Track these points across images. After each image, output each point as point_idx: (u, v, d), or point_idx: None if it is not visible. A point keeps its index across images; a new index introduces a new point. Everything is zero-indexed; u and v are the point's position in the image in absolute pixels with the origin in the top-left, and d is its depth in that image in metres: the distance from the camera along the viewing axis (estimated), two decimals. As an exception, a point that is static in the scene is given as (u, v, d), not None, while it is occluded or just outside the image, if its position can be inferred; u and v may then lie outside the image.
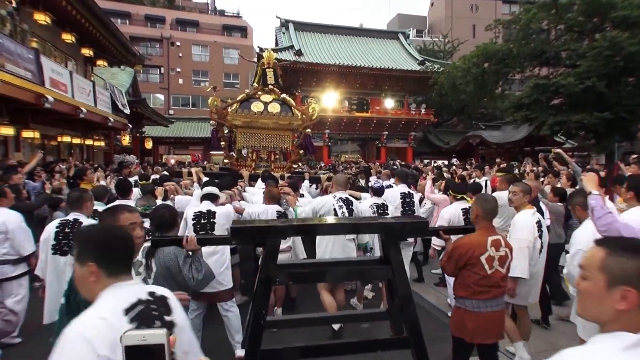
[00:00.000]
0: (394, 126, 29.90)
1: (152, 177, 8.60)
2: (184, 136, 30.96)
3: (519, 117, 20.30)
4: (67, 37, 13.84)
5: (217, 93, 9.20)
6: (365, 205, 5.55)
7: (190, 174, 7.85)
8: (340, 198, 5.17)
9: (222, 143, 8.90)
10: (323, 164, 20.64)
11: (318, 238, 4.97)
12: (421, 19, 48.79)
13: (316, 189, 8.05)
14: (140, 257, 3.03)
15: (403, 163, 22.92)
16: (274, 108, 8.67)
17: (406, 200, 6.04)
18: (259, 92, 8.92)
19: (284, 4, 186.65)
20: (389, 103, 29.46)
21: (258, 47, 25.86)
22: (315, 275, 3.44)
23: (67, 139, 14.48)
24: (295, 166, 9.72)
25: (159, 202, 5.03)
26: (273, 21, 47.28)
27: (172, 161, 25.34)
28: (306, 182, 7.70)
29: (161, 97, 39.32)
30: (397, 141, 30.62)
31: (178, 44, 39.37)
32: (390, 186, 6.79)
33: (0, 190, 4.74)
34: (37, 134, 11.82)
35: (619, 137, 17.57)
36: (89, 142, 16.86)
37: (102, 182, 8.63)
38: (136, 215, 2.35)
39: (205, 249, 3.76)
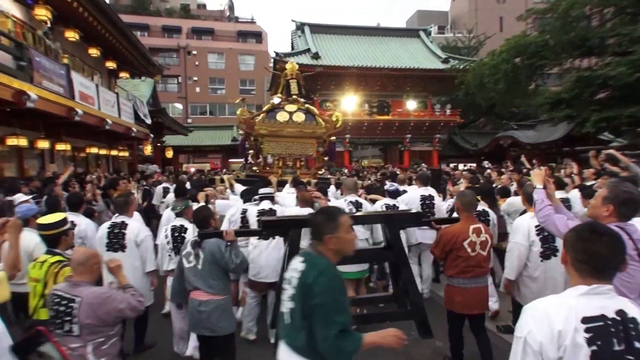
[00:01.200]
0: (417, 129, 28.88)
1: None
2: (203, 144, 30.97)
3: (557, 114, 18.85)
4: (93, 52, 13.95)
5: (243, 103, 9.61)
6: (377, 206, 6.15)
7: (222, 181, 8.24)
8: (350, 201, 5.69)
9: (250, 151, 9.34)
10: (346, 170, 20.24)
11: None
12: (442, 14, 47.43)
13: (342, 193, 8.03)
14: (189, 248, 3.81)
15: (426, 167, 22.13)
16: (299, 117, 8.97)
17: (426, 203, 6.35)
18: (284, 102, 9.22)
19: (296, 7, 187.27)
20: (412, 105, 28.42)
21: (274, 52, 25.65)
22: None
23: (94, 150, 14.57)
24: (320, 172, 9.90)
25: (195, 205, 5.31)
26: (287, 25, 47.07)
27: (192, 169, 25.39)
28: (332, 188, 7.88)
29: (179, 106, 39.54)
30: (420, 144, 29.53)
31: (194, 52, 39.54)
32: (405, 191, 7.15)
33: (79, 199, 5.31)
34: (68, 147, 12.00)
35: None
36: (114, 152, 16.98)
37: (134, 191, 8.94)
38: None
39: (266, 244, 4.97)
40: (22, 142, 9.54)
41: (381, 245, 4.76)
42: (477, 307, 4.11)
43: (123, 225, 4.64)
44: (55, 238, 3.40)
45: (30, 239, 3.99)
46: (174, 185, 8.11)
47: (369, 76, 27.24)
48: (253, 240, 5.07)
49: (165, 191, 10.10)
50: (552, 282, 4.10)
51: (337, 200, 7.04)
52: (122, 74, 17.14)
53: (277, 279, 4.48)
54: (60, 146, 11.63)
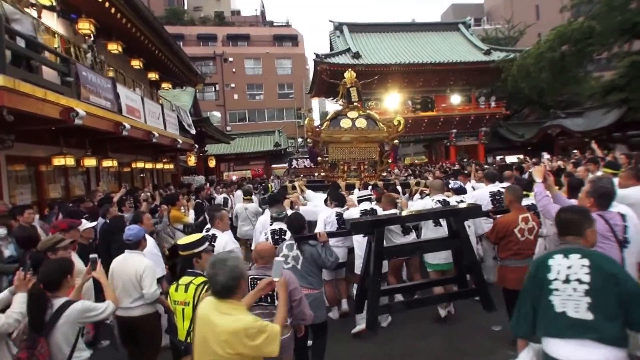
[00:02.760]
0: (462, 123, 28.33)
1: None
2: (245, 152, 30.71)
3: (611, 100, 18.70)
4: (136, 63, 13.59)
5: (309, 113, 9.95)
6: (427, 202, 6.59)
7: (294, 188, 8.54)
8: (438, 200, 6.20)
9: (319, 158, 9.85)
10: (396, 170, 19.59)
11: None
12: (478, 7, 46.86)
13: (403, 194, 8.35)
14: (286, 251, 4.31)
15: (473, 160, 21.60)
16: (361, 123, 9.36)
17: (496, 198, 6.70)
18: (346, 109, 9.69)
19: (326, 8, 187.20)
20: (456, 99, 27.91)
21: (315, 53, 25.35)
22: (406, 250, 5.75)
23: (140, 164, 14.24)
24: (384, 174, 10.37)
25: (289, 211, 5.89)
26: (322, 26, 46.87)
27: (234, 178, 25.09)
28: (398, 188, 8.45)
29: (218, 114, 39.38)
30: (466, 139, 28.96)
31: (231, 59, 39.43)
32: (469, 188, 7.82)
33: (139, 217, 5.37)
34: (115, 163, 11.59)
35: None
36: (159, 165, 16.65)
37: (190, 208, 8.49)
38: None
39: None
40: (70, 161, 9.01)
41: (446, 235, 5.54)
42: None
43: (213, 238, 4.90)
44: (191, 259, 3.46)
45: (139, 263, 4.11)
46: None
47: (411, 72, 26.94)
48: (359, 238, 5.61)
49: (225, 201, 11.06)
50: None
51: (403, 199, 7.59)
52: (164, 85, 16.81)
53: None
54: (106, 163, 11.17)
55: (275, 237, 5.16)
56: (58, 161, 8.86)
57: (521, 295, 2.72)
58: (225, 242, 4.94)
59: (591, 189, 3.59)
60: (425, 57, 26.73)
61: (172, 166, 18.91)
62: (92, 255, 3.66)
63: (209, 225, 5.35)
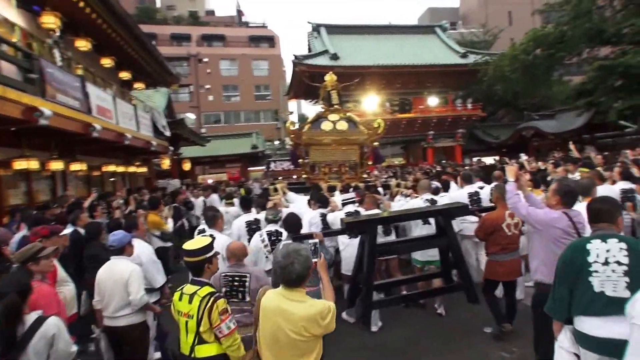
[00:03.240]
0: (440, 125, 28.43)
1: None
2: (221, 154, 30.03)
3: (582, 104, 19.29)
4: (107, 62, 12.87)
5: (288, 115, 9.80)
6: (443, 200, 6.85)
7: (276, 190, 8.51)
8: (427, 199, 6.52)
9: (300, 160, 9.92)
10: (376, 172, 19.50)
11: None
12: (453, 10, 47.34)
13: (384, 195, 8.45)
14: None
15: (450, 162, 21.83)
16: (342, 126, 9.59)
17: (473, 199, 6.93)
18: (327, 112, 9.86)
19: (303, 10, 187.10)
20: (433, 101, 28.02)
21: (293, 55, 24.96)
22: (398, 248, 6.05)
23: (111, 168, 13.58)
24: (365, 176, 10.38)
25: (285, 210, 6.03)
26: (298, 28, 46.72)
27: (210, 181, 24.45)
28: (380, 190, 8.52)
29: (192, 116, 38.48)
30: (444, 140, 29.02)
31: (206, 60, 38.66)
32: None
33: (133, 223, 5.14)
34: (84, 166, 10.93)
35: None
36: (131, 169, 15.98)
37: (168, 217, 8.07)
38: None
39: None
40: (33, 164, 8.28)
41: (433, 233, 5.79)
42: (514, 274, 5.18)
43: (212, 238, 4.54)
44: (200, 265, 3.16)
45: (124, 268, 3.96)
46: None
47: (389, 74, 26.80)
48: (344, 239, 5.92)
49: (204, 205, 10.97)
50: None
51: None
52: (136, 85, 16.10)
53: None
54: (75, 166, 10.47)
55: (272, 238, 5.23)
56: (19, 164, 8.17)
57: (557, 280, 2.93)
58: (223, 242, 4.77)
59: (557, 187, 3.82)
60: (403, 59, 26.57)
61: (145, 169, 18.25)
62: None
63: (202, 227, 5.44)
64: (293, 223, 4.76)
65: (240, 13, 46.13)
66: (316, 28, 29.24)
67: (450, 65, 27.02)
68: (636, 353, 1.96)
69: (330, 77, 9.99)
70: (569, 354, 2.84)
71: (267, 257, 5.24)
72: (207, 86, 38.91)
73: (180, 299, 3.10)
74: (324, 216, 6.29)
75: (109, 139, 10.70)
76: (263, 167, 30.46)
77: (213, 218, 5.26)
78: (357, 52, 27.25)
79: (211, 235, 4.73)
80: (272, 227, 5.37)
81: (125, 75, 14.54)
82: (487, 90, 28.17)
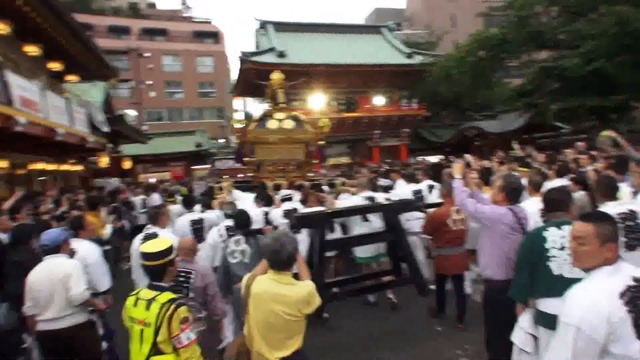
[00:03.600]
0: (385, 124, 28.72)
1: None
2: (163, 152, 28.99)
3: (522, 104, 19.97)
4: (32, 50, 11.86)
5: (234, 113, 9.53)
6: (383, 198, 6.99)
7: (221, 189, 8.59)
8: (366, 197, 6.66)
9: (246, 158, 9.83)
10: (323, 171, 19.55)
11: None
12: (399, 11, 48.29)
13: (330, 193, 8.44)
14: (234, 246, 4.58)
15: (395, 161, 22.16)
16: (288, 124, 9.59)
17: (417, 196, 7.23)
18: (273, 111, 9.85)
19: (248, 7, 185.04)
20: (379, 100, 28.38)
21: (241, 51, 24.58)
22: (347, 243, 6.31)
23: (40, 166, 12.61)
24: (310, 175, 10.48)
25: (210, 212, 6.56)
26: (245, 25, 46.16)
27: (152, 180, 23.51)
28: (325, 188, 8.61)
29: (133, 112, 37.04)
30: (389, 139, 29.28)
31: (147, 54, 37.14)
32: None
33: (79, 222, 4.92)
34: (5, 164, 10.04)
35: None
36: (65, 167, 14.97)
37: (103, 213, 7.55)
38: None
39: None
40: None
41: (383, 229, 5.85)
42: (460, 268, 5.43)
43: (154, 236, 4.70)
44: (162, 269, 2.90)
45: (64, 264, 3.79)
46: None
47: (335, 73, 26.83)
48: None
49: (144, 204, 10.95)
50: None
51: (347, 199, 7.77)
52: (69, 77, 15.06)
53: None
54: (-7, 164, 9.65)
55: (230, 233, 5.21)
56: None
57: (519, 266, 3.19)
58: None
59: (503, 185, 3.86)
60: (349, 59, 26.73)
61: (81, 168, 17.23)
62: None
63: (148, 225, 5.27)
64: (243, 219, 4.85)
65: (185, 4, 44.83)
66: (263, 25, 28.97)
67: (397, 65, 27.39)
68: (558, 348, 2.06)
69: (276, 76, 9.99)
70: (527, 335, 3.08)
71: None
72: (149, 82, 37.50)
73: (135, 305, 2.81)
74: (266, 214, 6.37)
75: (36, 134, 9.85)
76: (208, 166, 29.73)
77: (157, 215, 5.22)
78: (304, 50, 27.11)
79: (154, 233, 4.83)
80: (231, 222, 5.39)
81: (55, 66, 13.50)
82: (431, 91, 28.70)
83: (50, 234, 3.95)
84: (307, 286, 2.83)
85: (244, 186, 8.97)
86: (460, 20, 42.57)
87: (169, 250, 2.96)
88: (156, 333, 2.69)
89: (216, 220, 6.29)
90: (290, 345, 2.76)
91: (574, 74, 15.31)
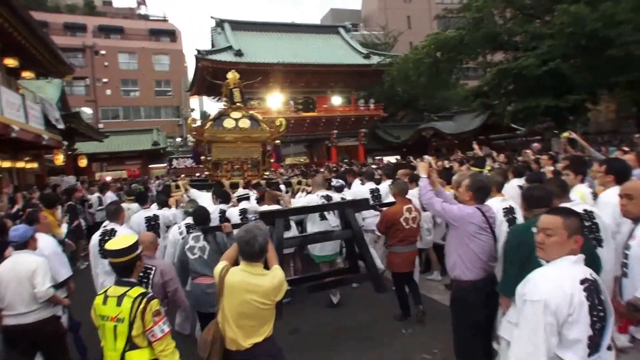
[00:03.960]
0: (343, 124, 29.13)
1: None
2: (120, 150, 28.73)
3: (478, 105, 20.48)
4: (-16, 46, 11.95)
5: (191, 112, 9.40)
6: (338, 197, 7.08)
7: (177, 187, 8.73)
8: (322, 195, 6.75)
9: (202, 157, 9.93)
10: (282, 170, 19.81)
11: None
12: (355, 12, 48.59)
13: (286, 192, 8.65)
14: (192, 242, 4.55)
15: (354, 161, 22.66)
16: (244, 123, 9.58)
17: (374, 195, 7.36)
18: (229, 110, 9.85)
19: (206, 6, 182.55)
20: (337, 100, 28.73)
21: (197, 49, 24.49)
22: (304, 241, 6.22)
23: (-5, 163, 12.60)
24: (267, 174, 10.60)
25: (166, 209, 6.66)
26: (201, 24, 45.64)
27: (109, 178, 23.34)
28: (282, 187, 8.73)
29: (88, 110, 36.34)
30: (347, 140, 29.77)
31: (103, 52, 36.65)
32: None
33: (35, 216, 4.98)
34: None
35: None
36: (19, 164, 14.88)
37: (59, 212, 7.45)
38: None
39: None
40: None
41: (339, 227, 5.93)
42: (410, 266, 5.58)
43: (112, 232, 4.95)
44: (130, 265, 2.93)
45: (30, 262, 3.80)
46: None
47: (293, 73, 27.09)
48: None
49: (100, 201, 11.26)
50: None
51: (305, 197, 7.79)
52: (25, 74, 14.96)
53: None
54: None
55: (190, 230, 5.27)
56: None
57: (508, 261, 3.24)
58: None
59: (470, 183, 3.80)
60: (307, 58, 27.04)
61: (36, 165, 17.07)
62: None
63: (106, 222, 5.24)
64: (202, 216, 4.85)
65: (141, 1, 44.20)
66: (220, 24, 28.96)
67: (354, 65, 27.78)
68: (526, 326, 2.11)
69: (232, 75, 9.96)
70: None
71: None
72: (105, 80, 36.93)
73: (104, 303, 2.82)
74: (223, 212, 6.34)
75: (-9, 131, 9.98)
76: (165, 165, 29.61)
77: (115, 211, 5.17)
78: (261, 49, 27.29)
79: (112, 230, 4.94)
80: (191, 220, 5.41)
81: (11, 62, 13.44)
82: (388, 91, 29.11)
83: (19, 230, 3.96)
84: (278, 275, 2.96)
85: (200, 185, 9.14)
86: (414, 21, 43.63)
87: (135, 246, 2.97)
88: (130, 327, 2.71)
89: (171, 218, 6.41)
90: (262, 332, 2.91)
91: (531, 74, 15.52)
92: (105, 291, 2.88)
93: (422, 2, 44.82)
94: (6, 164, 13.58)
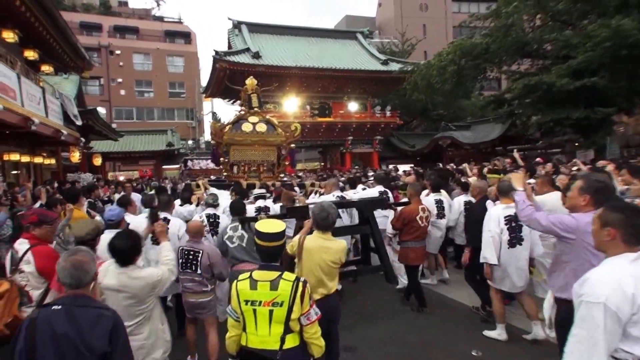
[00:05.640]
0: (358, 130, 28.73)
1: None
2: (134, 150, 28.51)
3: (504, 112, 19.96)
4: (8, 36, 11.59)
5: (215, 116, 9.49)
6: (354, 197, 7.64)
7: (198, 186, 9.16)
8: (337, 196, 7.23)
9: (222, 159, 10.14)
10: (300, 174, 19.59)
11: None
12: (369, 20, 48.13)
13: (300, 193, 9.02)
14: (231, 232, 4.96)
15: (364, 168, 22.23)
16: (261, 128, 9.90)
17: (383, 197, 7.48)
18: (247, 114, 10.13)
19: (221, 9, 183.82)
20: (353, 106, 28.31)
21: (214, 50, 24.19)
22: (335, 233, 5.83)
23: (14, 157, 12.26)
24: (282, 176, 11.10)
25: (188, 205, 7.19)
26: (216, 27, 45.65)
27: (122, 178, 23.09)
28: (296, 189, 9.16)
29: (102, 110, 36.15)
30: (361, 146, 29.41)
31: (118, 52, 36.61)
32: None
33: (127, 200, 5.84)
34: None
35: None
36: (37, 159, 14.58)
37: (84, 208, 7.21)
38: None
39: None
40: None
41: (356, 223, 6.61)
42: (421, 260, 6.20)
43: (166, 220, 5.10)
44: (279, 250, 2.94)
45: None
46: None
47: (310, 77, 26.72)
48: None
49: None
50: (508, 269, 4.80)
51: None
52: (44, 67, 14.69)
53: None
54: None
55: (210, 220, 5.97)
56: None
57: None
58: (179, 224, 5.49)
59: (586, 186, 3.24)
60: (324, 63, 26.62)
61: (53, 161, 16.79)
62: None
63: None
64: (238, 207, 5.37)
65: (157, 2, 44.30)
66: (237, 25, 28.69)
67: (372, 71, 27.30)
68: (584, 326, 2.06)
69: (250, 82, 10.25)
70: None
71: (205, 237, 5.51)
72: (119, 80, 36.87)
73: (253, 287, 2.75)
74: None
75: (12, 123, 9.62)
76: (177, 166, 29.37)
77: (168, 202, 5.77)
78: (278, 52, 26.99)
79: (165, 218, 5.19)
80: (211, 211, 6.12)
81: (31, 54, 13.19)
82: (404, 99, 28.75)
83: (115, 211, 4.56)
84: (342, 242, 3.74)
85: (217, 184, 9.51)
86: (430, 30, 43.34)
87: (284, 232, 2.96)
88: (289, 311, 2.70)
89: (186, 214, 6.66)
90: (331, 286, 3.69)
91: (563, 89, 15.03)
92: (250, 275, 2.82)
93: (439, 11, 44.57)
94: (25, 159, 13.28)
